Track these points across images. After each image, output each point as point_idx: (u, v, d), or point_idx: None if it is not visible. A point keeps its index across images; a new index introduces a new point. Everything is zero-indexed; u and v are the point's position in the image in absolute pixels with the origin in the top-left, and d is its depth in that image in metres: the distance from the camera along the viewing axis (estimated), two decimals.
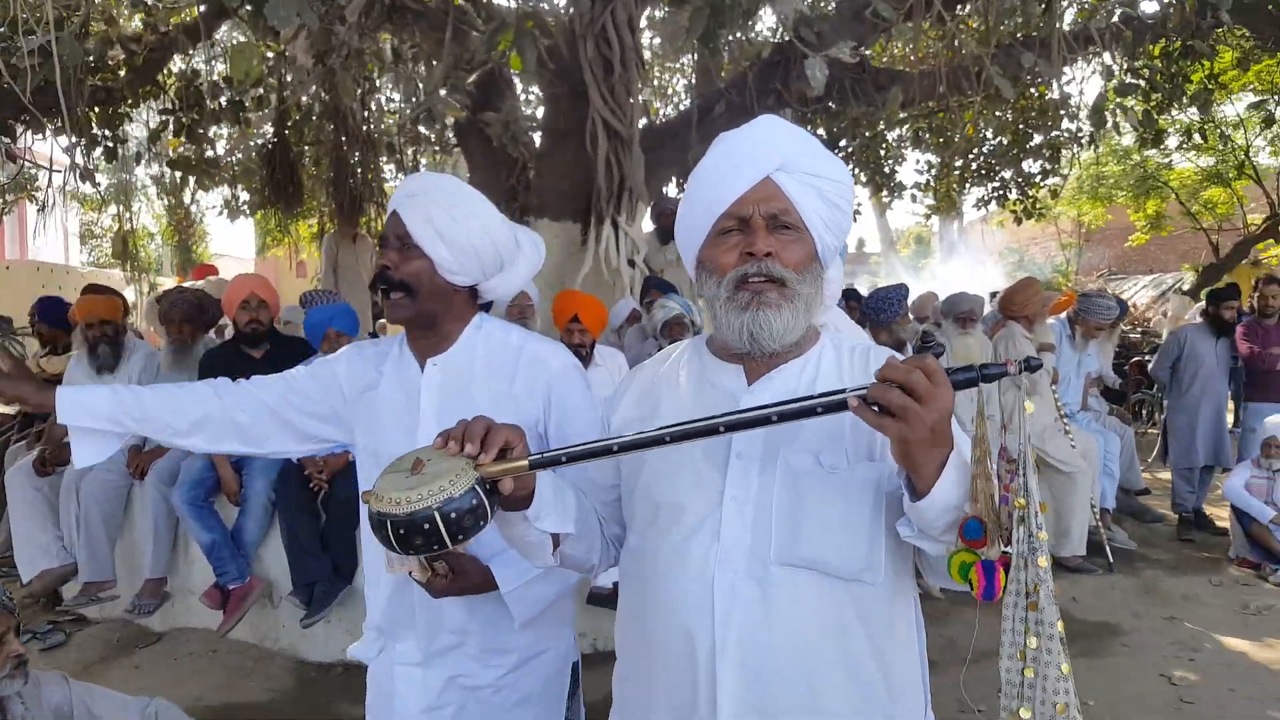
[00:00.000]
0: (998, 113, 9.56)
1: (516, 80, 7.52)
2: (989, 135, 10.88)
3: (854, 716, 1.35)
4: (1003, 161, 11.13)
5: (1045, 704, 1.28)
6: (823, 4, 5.87)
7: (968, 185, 12.15)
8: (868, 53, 6.86)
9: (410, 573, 1.66)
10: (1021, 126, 10.14)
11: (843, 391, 1.18)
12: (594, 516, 1.54)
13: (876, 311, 5.18)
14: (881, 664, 1.37)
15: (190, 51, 6.49)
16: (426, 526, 1.15)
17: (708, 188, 1.43)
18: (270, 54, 6.39)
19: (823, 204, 1.41)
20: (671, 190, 9.68)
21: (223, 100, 6.66)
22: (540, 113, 7.41)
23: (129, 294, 16.02)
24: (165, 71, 6.82)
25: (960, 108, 8.31)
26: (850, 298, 7.29)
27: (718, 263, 1.41)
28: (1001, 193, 11.72)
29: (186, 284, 7.65)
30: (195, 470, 4.33)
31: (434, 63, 6.04)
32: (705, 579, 1.35)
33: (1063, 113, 8.99)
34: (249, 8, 2.91)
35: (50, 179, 7.52)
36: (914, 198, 11.86)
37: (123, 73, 5.88)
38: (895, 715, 1.38)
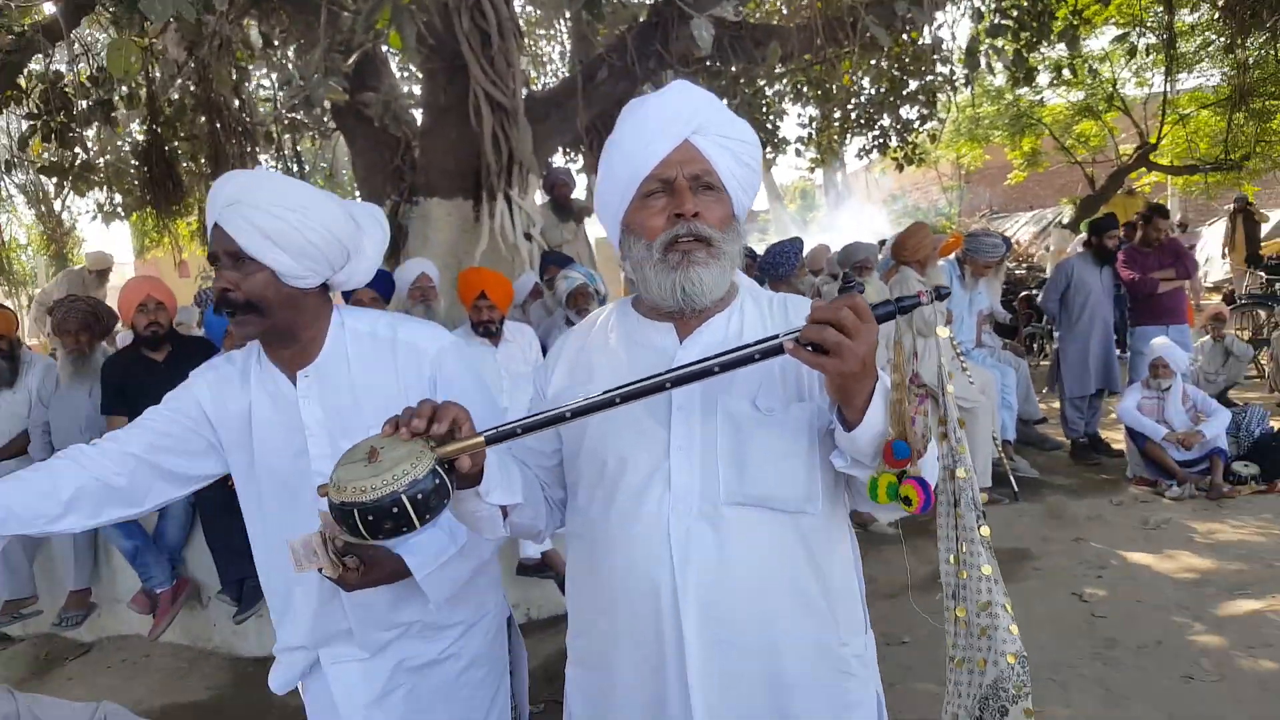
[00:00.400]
0: (873, 61, 9.84)
1: (392, 59, 7.44)
2: (866, 85, 11.17)
3: (805, 640, 1.45)
4: (881, 110, 11.42)
5: (971, 601, 1.48)
6: None
7: (849, 136, 12.42)
8: (744, 9, 6.96)
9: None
10: (897, 73, 10.43)
11: (776, 337, 1.24)
12: (536, 484, 1.57)
13: (774, 266, 5.35)
14: (825, 589, 1.46)
15: (50, 52, 6.23)
16: (395, 510, 1.17)
17: (629, 153, 1.46)
18: (139, 49, 6.17)
19: (737, 164, 1.47)
20: (559, 160, 9.73)
21: (90, 100, 6.41)
22: (419, 90, 7.34)
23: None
24: (26, 75, 6.53)
25: (837, 59, 8.54)
26: (747, 256, 7.48)
27: (645, 226, 1.45)
28: (882, 141, 12.06)
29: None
30: None
31: (304, 46, 5.93)
32: (660, 527, 1.41)
33: (936, 57, 9.32)
34: (121, 3, 2.85)
35: None
36: (798, 152, 12.11)
37: None
38: (842, 637, 1.48)
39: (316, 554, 1.60)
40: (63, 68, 6.76)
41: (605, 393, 1.27)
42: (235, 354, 1.92)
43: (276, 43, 6.61)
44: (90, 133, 7.09)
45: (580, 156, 9.56)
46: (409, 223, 6.49)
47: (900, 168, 12.40)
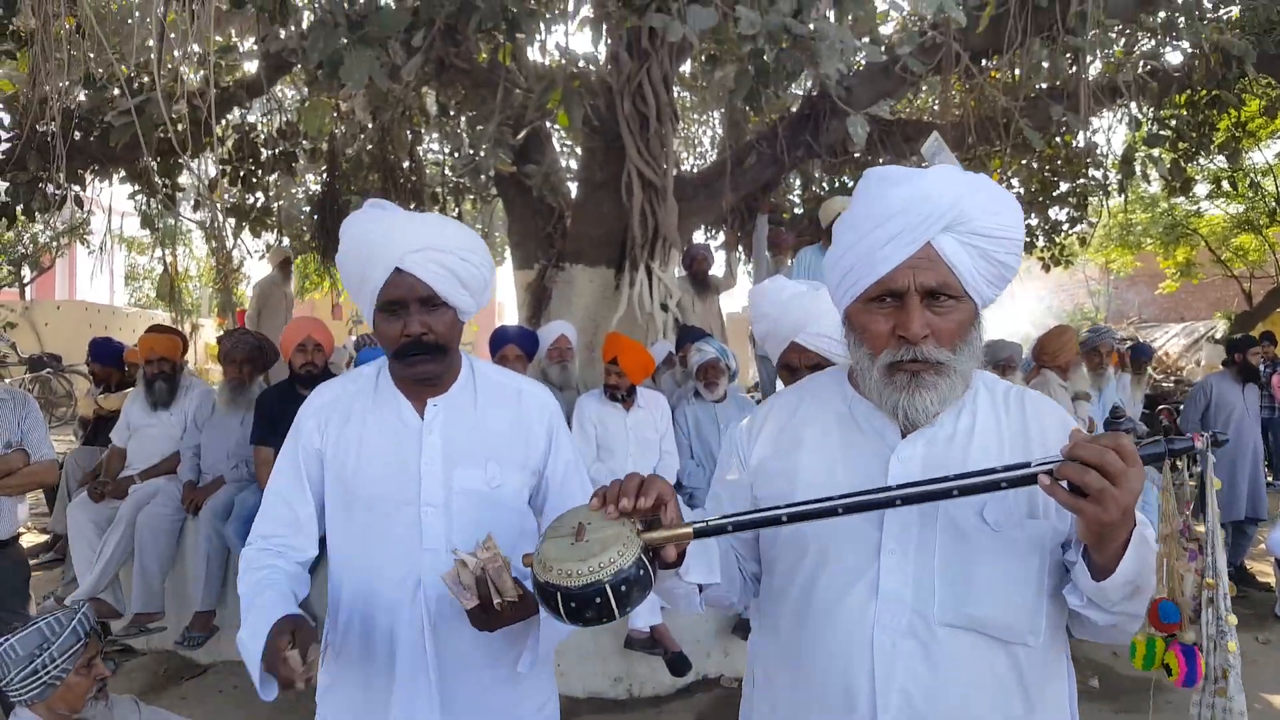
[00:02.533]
0: (1024, 161, 9.72)
1: (555, 133, 7.81)
2: (1015, 183, 11.01)
3: None
4: (1030, 209, 11.23)
5: None
6: (854, 60, 6.06)
7: None
8: (895, 105, 7.03)
9: (465, 601, 1.56)
10: (1048, 174, 10.26)
11: (1028, 465, 1.15)
12: (732, 556, 1.50)
13: None
14: None
15: (248, 105, 6.82)
16: (598, 600, 1.15)
17: (865, 244, 1.32)
18: (330, 110, 6.71)
19: (987, 263, 1.30)
20: (701, 237, 9.92)
21: (276, 151, 6.98)
22: (577, 165, 7.67)
23: None
24: (223, 125, 7.16)
25: (988, 158, 8.49)
26: None
27: (867, 331, 1.34)
28: (1029, 240, 11.83)
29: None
30: (250, 506, 4.50)
31: (476, 117, 6.31)
32: (863, 635, 1.31)
33: (1088, 161, 9.14)
34: (326, 69, 3.14)
35: (109, 223, 7.90)
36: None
37: (183, 126, 6.19)
38: None
39: (466, 588, 1.54)
40: (256, 119, 7.41)
41: (824, 501, 1.21)
42: (357, 374, 1.95)
43: (452, 111, 7.03)
44: (271, 179, 7.68)
45: (721, 234, 9.74)
46: (554, 286, 6.75)
47: (1046, 268, 12.10)
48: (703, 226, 9.38)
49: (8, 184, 5.49)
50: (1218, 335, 17.27)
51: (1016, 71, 6.11)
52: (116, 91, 3.86)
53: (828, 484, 1.33)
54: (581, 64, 5.12)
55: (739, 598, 1.53)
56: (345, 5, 3.53)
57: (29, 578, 3.67)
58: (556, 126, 7.01)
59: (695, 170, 9.50)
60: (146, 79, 4.98)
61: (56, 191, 5.63)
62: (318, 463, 1.87)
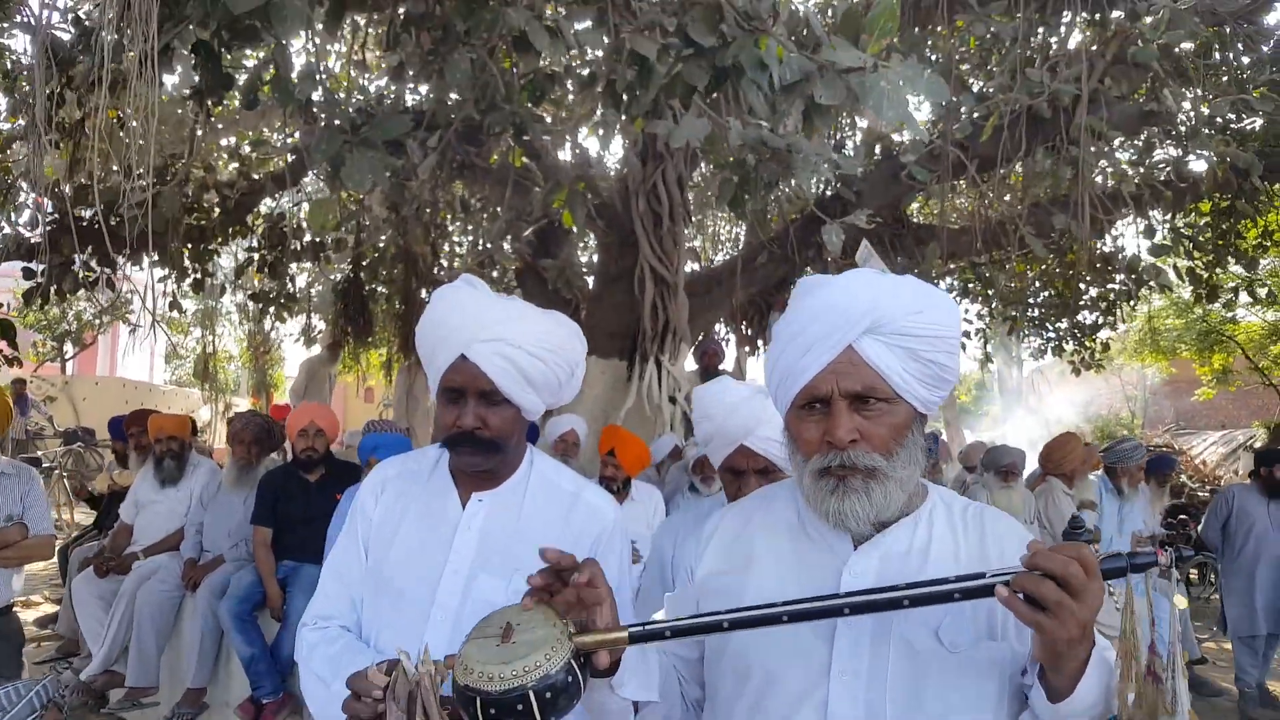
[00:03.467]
0: (1043, 266, 9.76)
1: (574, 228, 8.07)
2: (1036, 286, 11.04)
3: None
4: (1058, 312, 11.20)
5: None
6: (866, 163, 6.25)
7: (1024, 334, 12.18)
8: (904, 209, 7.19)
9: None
10: (1072, 278, 10.28)
11: (983, 576, 1.10)
12: (674, 676, 1.41)
13: None
14: None
15: (277, 196, 7.15)
16: (520, 707, 1.06)
17: (789, 354, 1.30)
18: (351, 204, 7.01)
19: (917, 364, 1.25)
20: (720, 331, 10.06)
21: (304, 241, 7.27)
22: (595, 258, 7.88)
23: (205, 412, 16.84)
24: (254, 213, 7.49)
25: (1000, 262, 8.56)
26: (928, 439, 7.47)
27: (801, 438, 1.29)
28: (1058, 343, 11.80)
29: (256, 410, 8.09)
30: (244, 585, 4.57)
31: (492, 212, 6.56)
32: None
33: (1110, 268, 9.17)
34: (329, 169, 3.32)
35: (152, 304, 8.19)
36: (963, 346, 11.98)
37: (216, 214, 6.51)
38: None
39: (397, 700, 1.29)
40: (286, 210, 7.74)
41: (769, 607, 1.14)
42: (423, 454, 1.86)
43: (476, 205, 7.29)
44: (300, 267, 7.97)
45: (732, 332, 9.88)
46: None
47: (1077, 372, 12.02)
48: (721, 321, 9.52)
49: (44, 266, 5.77)
50: (1257, 444, 16.88)
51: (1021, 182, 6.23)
52: (143, 182, 4.10)
53: (778, 596, 1.22)
54: (597, 163, 5.32)
55: None
56: (350, 110, 3.74)
57: (22, 646, 3.75)
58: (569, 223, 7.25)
59: (711, 265, 9.70)
60: (177, 169, 5.27)
61: (88, 274, 5.89)
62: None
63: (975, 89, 6.45)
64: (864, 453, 1.23)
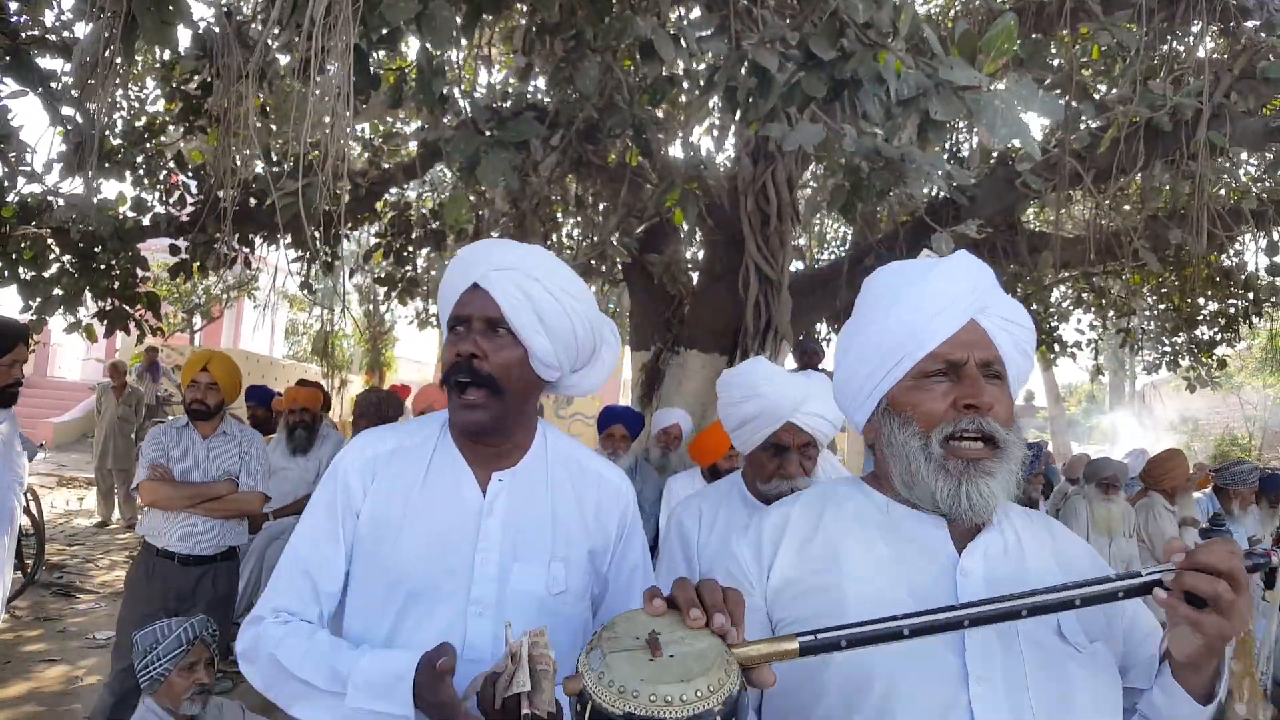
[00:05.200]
0: (1160, 279, 9.48)
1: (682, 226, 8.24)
2: (1151, 299, 10.72)
3: None
4: (1174, 326, 10.86)
5: None
6: (980, 170, 6.25)
7: (1138, 347, 11.84)
8: (1018, 215, 7.12)
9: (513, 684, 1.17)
10: (1189, 292, 9.96)
11: (1139, 575, 1.05)
12: None
13: None
14: None
15: (404, 186, 7.52)
16: None
17: (903, 324, 1.25)
18: (472, 196, 7.35)
19: (1018, 352, 1.28)
20: (823, 331, 10.11)
21: (427, 228, 7.65)
22: (700, 255, 8.04)
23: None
24: (382, 201, 7.90)
25: (1116, 273, 8.37)
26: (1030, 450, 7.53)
27: (921, 410, 1.23)
28: (1173, 358, 11.43)
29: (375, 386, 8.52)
30: None
31: (606, 208, 6.79)
32: None
33: (1229, 284, 8.85)
34: (464, 167, 3.56)
35: (275, 281, 8.74)
36: (1073, 356, 11.72)
37: (347, 200, 6.91)
38: None
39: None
40: (412, 199, 8.15)
41: (946, 612, 1.05)
42: (419, 426, 1.67)
43: (591, 199, 7.54)
44: (422, 254, 8.36)
45: (834, 333, 9.91)
46: (666, 369, 7.05)
47: (1191, 388, 11.62)
48: (824, 321, 9.57)
49: (188, 243, 6.25)
50: None
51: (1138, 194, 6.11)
52: (288, 168, 4.43)
53: (890, 603, 1.15)
54: (708, 161, 5.48)
55: None
56: (488, 111, 3.99)
57: (234, 588, 4.15)
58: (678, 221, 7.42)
59: (817, 266, 9.74)
60: (313, 157, 5.64)
61: (228, 252, 6.34)
62: (354, 527, 1.58)
63: (1097, 97, 6.35)
64: (995, 421, 1.21)
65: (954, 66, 2.71)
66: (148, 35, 2.81)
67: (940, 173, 3.41)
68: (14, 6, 4.51)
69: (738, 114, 3.64)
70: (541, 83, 4.74)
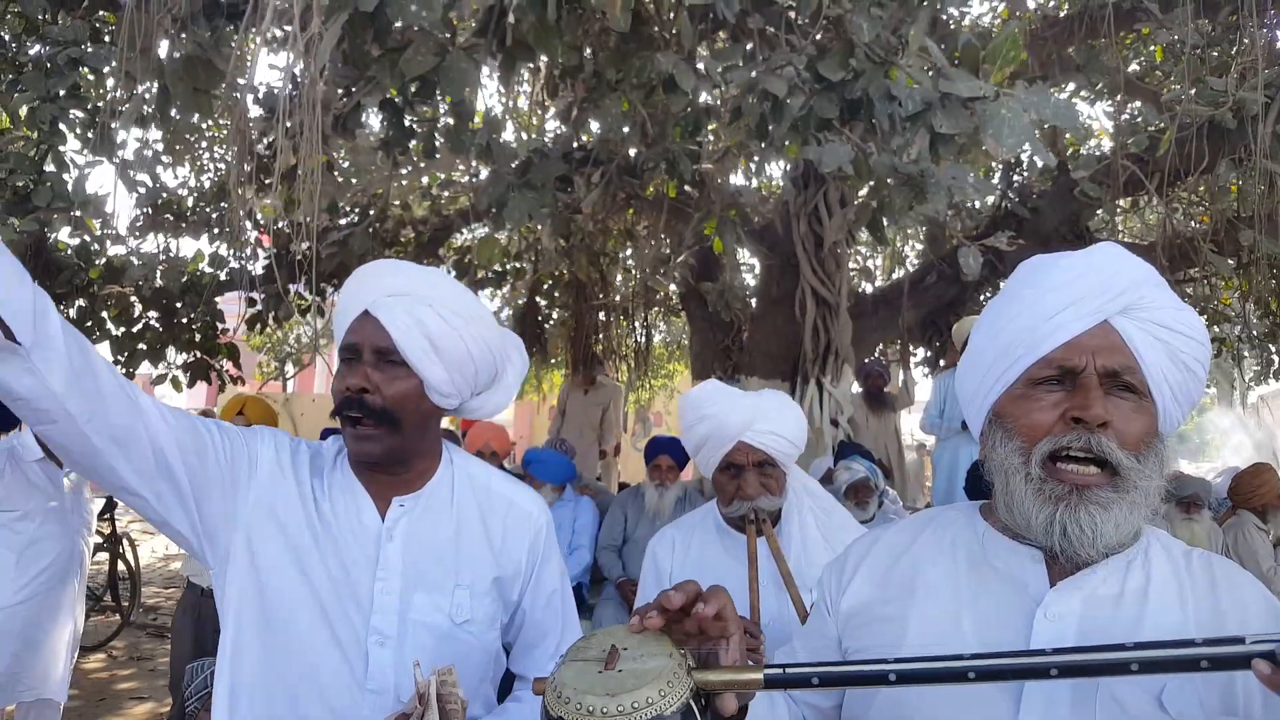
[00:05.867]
0: (1252, 284, 9.04)
1: (740, 250, 8.25)
2: (1244, 306, 10.21)
3: None
4: (1271, 332, 10.32)
5: None
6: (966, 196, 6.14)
7: (1236, 356, 11.27)
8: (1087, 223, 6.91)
9: None
10: None
11: (1242, 641, 0.84)
12: None
13: None
14: None
15: (465, 230, 7.74)
16: None
17: (1021, 321, 1.09)
18: (529, 237, 7.53)
19: (1172, 364, 1.06)
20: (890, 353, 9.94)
21: (489, 271, 7.85)
22: (756, 281, 8.03)
23: None
24: (446, 245, 8.13)
25: (1206, 279, 8.03)
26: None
27: (1024, 421, 1.07)
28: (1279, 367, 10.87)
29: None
30: None
31: (649, 239, 6.85)
32: None
33: None
34: (493, 210, 3.67)
35: None
36: None
37: (410, 248, 7.15)
38: None
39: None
40: (472, 244, 8.39)
41: (951, 660, 0.90)
42: (323, 445, 1.58)
43: (643, 233, 7.62)
44: (483, 294, 8.58)
45: (899, 354, 9.74)
46: None
47: None
48: (884, 344, 9.42)
49: (262, 295, 6.53)
50: None
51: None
52: (343, 221, 4.65)
53: (950, 639, 1.07)
54: (748, 191, 5.50)
55: None
56: (525, 151, 4.10)
57: None
58: (737, 247, 7.45)
59: (877, 288, 9.63)
60: (373, 211, 5.88)
61: (300, 302, 6.61)
62: (237, 464, 1.45)
63: (1163, 98, 6.14)
64: (1112, 441, 1.02)
65: (957, 79, 2.68)
66: (184, 105, 2.99)
67: (971, 188, 3.36)
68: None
69: (761, 140, 3.66)
70: (580, 128, 4.85)
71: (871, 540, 1.27)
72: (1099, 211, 6.29)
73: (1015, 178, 6.89)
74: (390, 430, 1.43)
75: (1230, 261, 5.82)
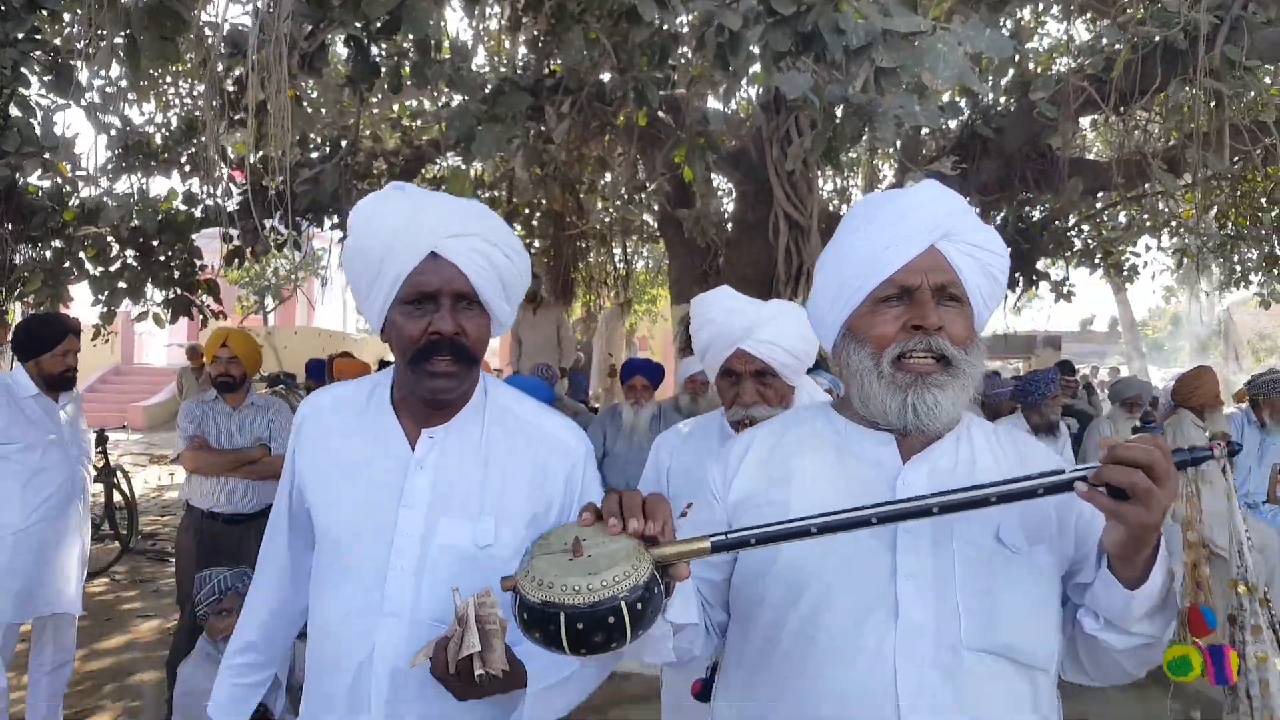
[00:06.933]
0: (1215, 196, 9.21)
1: (716, 176, 8.33)
2: (1205, 218, 10.41)
3: None
4: (1245, 244, 10.53)
5: None
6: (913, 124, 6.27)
7: (1201, 266, 11.50)
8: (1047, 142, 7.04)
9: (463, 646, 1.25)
10: (1245, 208, 9.64)
11: (1061, 472, 1.10)
12: (697, 599, 1.34)
13: (1026, 393, 5.36)
14: None
15: (439, 160, 7.79)
16: (611, 620, 0.99)
17: (866, 252, 1.31)
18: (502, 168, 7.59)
19: (983, 276, 1.32)
20: None
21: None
22: (733, 207, 8.15)
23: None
24: (419, 176, 8.18)
25: (1166, 194, 8.19)
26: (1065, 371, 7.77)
27: (873, 333, 1.30)
28: (1241, 276, 11.15)
29: None
30: None
31: (623, 168, 6.95)
32: (884, 668, 1.21)
33: None
34: (461, 145, 3.78)
35: (337, 261, 9.14)
36: (1129, 279, 11.46)
37: (383, 181, 7.22)
38: None
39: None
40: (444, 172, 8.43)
41: (857, 511, 1.12)
42: (359, 384, 1.65)
43: (617, 161, 7.71)
44: None
45: None
46: None
47: (1265, 305, 11.32)
48: None
49: (238, 231, 6.60)
50: None
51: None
52: (315, 154, 4.73)
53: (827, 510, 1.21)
54: (717, 117, 5.59)
55: (702, 648, 1.38)
56: (491, 81, 4.19)
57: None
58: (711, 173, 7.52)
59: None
60: (343, 144, 5.93)
61: (277, 237, 6.69)
62: (293, 487, 1.61)
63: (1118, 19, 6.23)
64: (946, 340, 1.27)
65: (895, 15, 2.81)
66: (151, 53, 3.07)
67: (917, 115, 3.49)
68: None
69: (724, 69, 3.78)
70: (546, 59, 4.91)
71: (747, 439, 1.48)
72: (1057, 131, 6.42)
73: (980, 100, 6.99)
74: (469, 369, 1.48)
75: (1183, 180, 5.99)
